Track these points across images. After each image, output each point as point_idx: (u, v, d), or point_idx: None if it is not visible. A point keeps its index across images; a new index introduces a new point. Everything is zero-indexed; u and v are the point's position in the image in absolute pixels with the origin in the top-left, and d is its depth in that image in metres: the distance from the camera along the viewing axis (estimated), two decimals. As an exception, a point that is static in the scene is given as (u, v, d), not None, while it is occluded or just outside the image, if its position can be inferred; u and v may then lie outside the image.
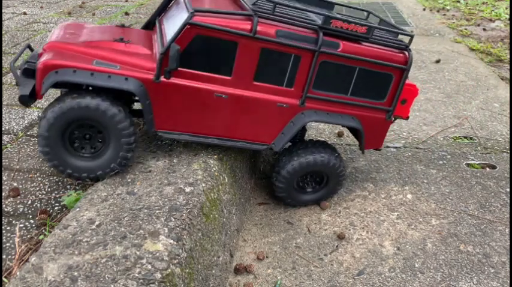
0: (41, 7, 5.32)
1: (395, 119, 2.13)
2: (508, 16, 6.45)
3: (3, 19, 4.61)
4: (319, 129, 3.09)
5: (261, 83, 1.86)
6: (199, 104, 1.83)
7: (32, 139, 2.29)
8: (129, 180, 1.83)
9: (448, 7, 7.27)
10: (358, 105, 2.01)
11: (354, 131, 2.25)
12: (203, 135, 1.93)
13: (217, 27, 1.71)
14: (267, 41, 1.76)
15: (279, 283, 1.83)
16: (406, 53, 1.94)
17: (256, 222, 2.19)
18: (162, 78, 1.75)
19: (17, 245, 1.59)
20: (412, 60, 1.92)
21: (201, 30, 1.71)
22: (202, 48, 1.75)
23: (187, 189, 1.75)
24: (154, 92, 1.77)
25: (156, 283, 1.32)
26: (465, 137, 2.98)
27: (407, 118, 2.13)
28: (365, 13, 2.23)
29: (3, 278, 1.44)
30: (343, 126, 2.18)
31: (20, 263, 1.49)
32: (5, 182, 1.95)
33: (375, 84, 1.97)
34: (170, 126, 1.87)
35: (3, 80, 2.96)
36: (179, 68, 1.75)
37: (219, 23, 1.71)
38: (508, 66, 4.44)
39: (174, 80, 1.77)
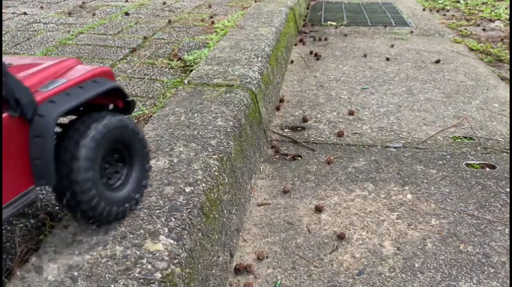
0: (41, 7, 5.32)
1: None
2: (508, 16, 6.45)
3: (3, 19, 4.61)
4: (318, 130, 3.09)
5: None
6: None
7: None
8: (129, 180, 1.82)
9: (448, 7, 7.27)
10: None
11: None
12: None
13: None
14: None
15: (279, 283, 1.83)
16: None
17: (256, 222, 2.19)
18: None
19: (17, 245, 1.59)
20: None
21: None
22: None
23: (187, 189, 1.76)
24: None
25: (156, 283, 1.32)
26: (465, 137, 2.98)
27: None
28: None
29: (4, 278, 1.44)
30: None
31: (20, 263, 1.49)
32: (5, 182, 1.95)
33: None
34: None
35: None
36: None
37: None
38: (508, 66, 4.44)
39: None
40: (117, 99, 1.59)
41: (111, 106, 1.62)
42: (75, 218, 1.56)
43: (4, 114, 1.17)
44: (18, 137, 1.22)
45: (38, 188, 1.30)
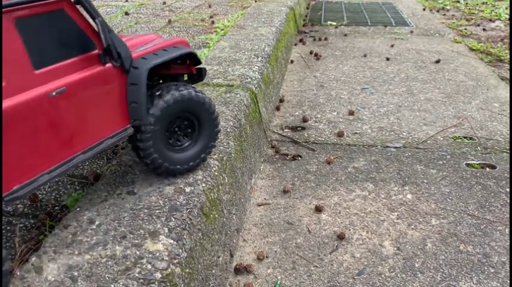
0: (41, 7, 5.32)
1: None
2: (508, 16, 6.45)
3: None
4: (319, 130, 3.09)
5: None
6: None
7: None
8: (129, 180, 1.83)
9: (448, 7, 7.27)
10: None
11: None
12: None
13: None
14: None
15: (279, 283, 1.83)
16: None
17: (256, 222, 2.19)
18: None
19: (17, 245, 1.59)
20: None
21: None
22: None
23: (187, 189, 1.75)
24: None
25: (156, 283, 1.32)
26: (465, 137, 2.98)
27: None
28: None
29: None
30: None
31: (20, 263, 1.49)
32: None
33: None
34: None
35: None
36: None
37: None
38: (508, 66, 4.44)
39: None
40: (190, 68, 1.89)
41: (185, 77, 1.94)
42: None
43: (108, 64, 1.49)
44: (119, 84, 1.55)
45: (132, 129, 1.62)
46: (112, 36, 1.47)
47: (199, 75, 1.94)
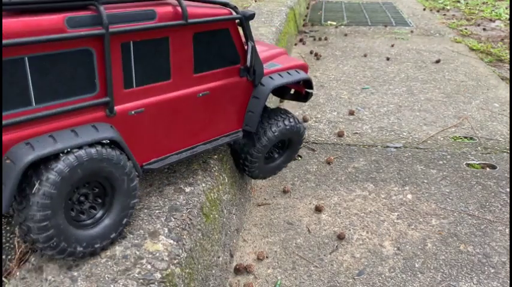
0: (41, 7, 5.31)
1: None
2: (508, 16, 6.45)
3: (3, 19, 4.60)
4: (319, 130, 3.09)
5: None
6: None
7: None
8: (129, 180, 1.82)
9: (448, 7, 7.27)
10: None
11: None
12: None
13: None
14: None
15: (279, 283, 1.83)
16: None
17: (256, 222, 2.19)
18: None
19: (16, 245, 1.59)
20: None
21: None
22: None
23: (187, 189, 1.75)
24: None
25: (156, 283, 1.32)
26: (465, 137, 2.98)
27: None
28: None
29: (3, 279, 1.44)
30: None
31: (20, 263, 1.49)
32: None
33: None
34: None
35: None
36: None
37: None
38: (508, 66, 4.44)
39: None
40: (301, 87, 2.13)
41: (292, 91, 2.22)
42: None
43: (244, 77, 1.77)
44: (245, 95, 1.81)
45: (242, 133, 1.88)
46: (256, 58, 1.74)
47: (305, 96, 2.17)
